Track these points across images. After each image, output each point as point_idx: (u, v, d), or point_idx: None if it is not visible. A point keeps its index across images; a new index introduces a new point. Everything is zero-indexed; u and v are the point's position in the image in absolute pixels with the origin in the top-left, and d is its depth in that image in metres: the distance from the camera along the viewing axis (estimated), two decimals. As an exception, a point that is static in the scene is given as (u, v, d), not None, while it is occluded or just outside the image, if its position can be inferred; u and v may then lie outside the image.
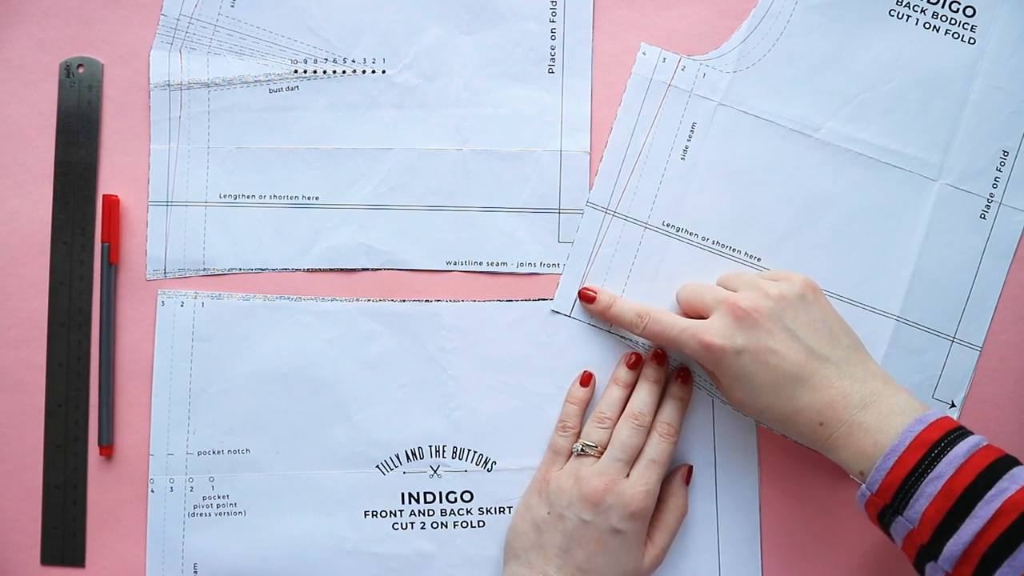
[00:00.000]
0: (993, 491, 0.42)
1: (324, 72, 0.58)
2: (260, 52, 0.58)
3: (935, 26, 0.58)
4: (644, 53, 0.58)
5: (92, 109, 0.57)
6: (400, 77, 0.58)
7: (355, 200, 0.58)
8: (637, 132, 0.58)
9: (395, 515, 0.57)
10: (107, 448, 0.56)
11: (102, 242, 0.57)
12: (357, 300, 0.57)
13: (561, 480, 0.53)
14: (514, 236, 0.58)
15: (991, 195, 0.57)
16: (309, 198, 0.58)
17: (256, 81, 0.58)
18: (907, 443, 0.45)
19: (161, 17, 0.57)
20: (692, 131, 0.58)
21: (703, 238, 0.57)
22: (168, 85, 0.57)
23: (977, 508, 0.42)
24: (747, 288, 0.51)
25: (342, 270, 0.57)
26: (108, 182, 0.57)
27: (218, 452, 0.56)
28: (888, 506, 0.45)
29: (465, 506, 0.57)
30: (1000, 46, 0.57)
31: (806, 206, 0.57)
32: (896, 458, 0.45)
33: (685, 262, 0.57)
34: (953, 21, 0.57)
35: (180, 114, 0.57)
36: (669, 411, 0.55)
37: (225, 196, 0.58)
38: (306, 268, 0.57)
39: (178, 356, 0.57)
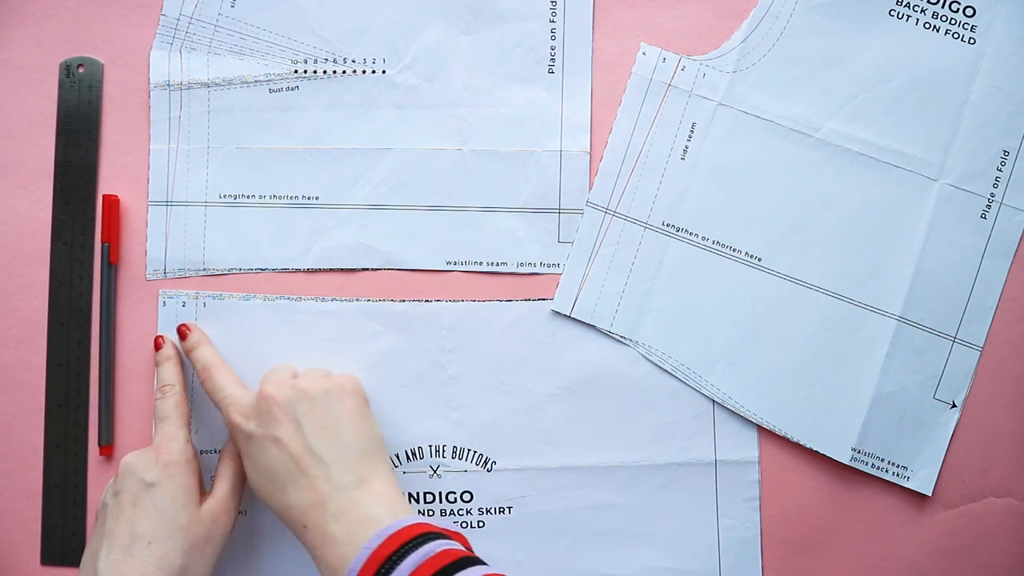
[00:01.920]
0: None
1: (324, 72, 0.58)
2: (260, 52, 0.58)
3: (935, 26, 0.57)
4: (644, 53, 0.58)
5: (92, 109, 0.57)
6: (400, 77, 0.58)
7: (355, 200, 0.58)
8: (637, 132, 0.58)
9: (395, 515, 0.57)
10: (107, 448, 0.56)
11: (102, 242, 0.57)
12: (357, 300, 0.57)
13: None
14: (514, 236, 0.58)
15: (992, 195, 0.57)
16: (309, 198, 0.58)
17: (256, 81, 0.58)
18: (363, 561, 0.44)
19: (161, 17, 0.57)
20: (692, 131, 0.58)
21: (703, 238, 0.57)
22: (168, 85, 0.57)
23: None
24: (293, 378, 0.52)
25: (342, 270, 0.57)
26: (108, 182, 0.57)
27: (219, 452, 0.56)
28: None
29: (465, 506, 0.57)
30: (1000, 46, 0.57)
31: (806, 206, 0.57)
32: (356, 574, 0.44)
33: (685, 262, 0.57)
34: (953, 21, 0.57)
35: (180, 114, 0.57)
36: (159, 372, 0.55)
37: (225, 196, 0.58)
38: (306, 268, 0.57)
39: (179, 356, 0.57)
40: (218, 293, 0.57)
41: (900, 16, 0.58)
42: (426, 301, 0.57)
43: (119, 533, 0.49)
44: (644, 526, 0.57)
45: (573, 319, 0.57)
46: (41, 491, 0.56)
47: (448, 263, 0.58)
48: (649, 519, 0.57)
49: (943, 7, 0.57)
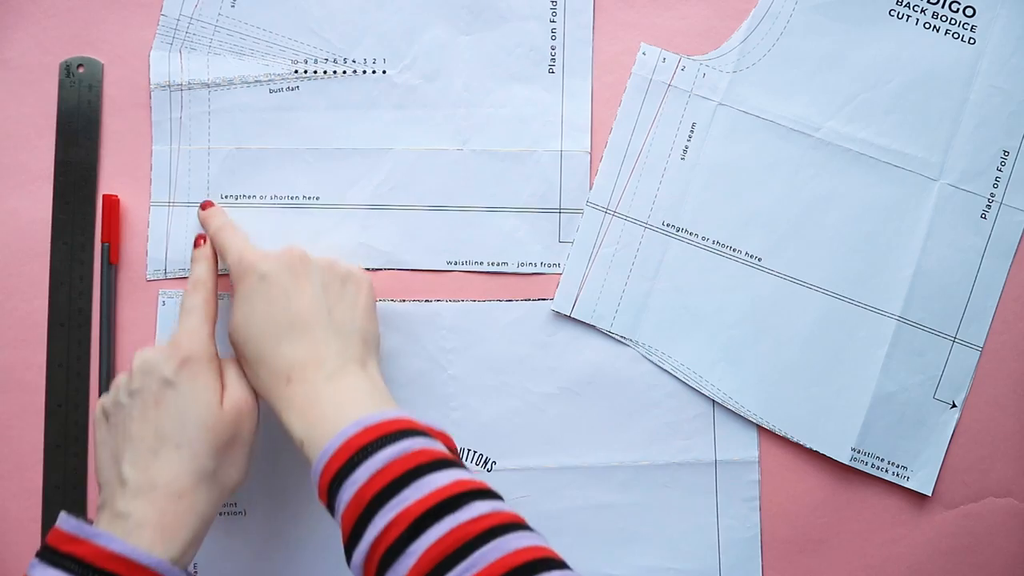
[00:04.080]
0: (394, 500, 0.41)
1: (324, 72, 0.58)
2: (260, 52, 0.58)
3: (935, 26, 0.58)
4: (644, 53, 0.58)
5: (92, 109, 0.57)
6: (400, 77, 0.58)
7: (355, 200, 0.58)
8: (637, 132, 0.58)
9: (395, 515, 0.57)
10: (107, 448, 0.56)
11: (102, 242, 0.57)
12: (357, 300, 0.57)
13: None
14: (514, 236, 0.58)
15: (992, 195, 0.57)
16: (309, 198, 0.58)
17: (256, 81, 0.58)
18: (337, 446, 0.43)
19: (161, 17, 0.57)
20: (692, 131, 0.58)
21: (703, 238, 0.57)
22: (168, 85, 0.57)
23: (376, 518, 0.41)
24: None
25: (342, 270, 0.57)
26: (108, 182, 0.57)
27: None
28: (328, 505, 0.44)
29: (465, 506, 0.57)
30: (1000, 46, 0.57)
31: (806, 206, 0.57)
32: (328, 459, 0.43)
33: (685, 262, 0.57)
34: (953, 21, 0.58)
35: (180, 114, 0.57)
36: (193, 269, 0.53)
37: (226, 196, 0.58)
38: (306, 268, 0.57)
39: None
40: (219, 293, 0.57)
41: (900, 16, 0.58)
42: (426, 301, 0.57)
43: (144, 435, 0.46)
44: (644, 526, 0.57)
45: (573, 319, 0.57)
46: (41, 491, 0.56)
47: (448, 263, 0.58)
48: (649, 519, 0.57)
49: (943, 7, 0.58)
